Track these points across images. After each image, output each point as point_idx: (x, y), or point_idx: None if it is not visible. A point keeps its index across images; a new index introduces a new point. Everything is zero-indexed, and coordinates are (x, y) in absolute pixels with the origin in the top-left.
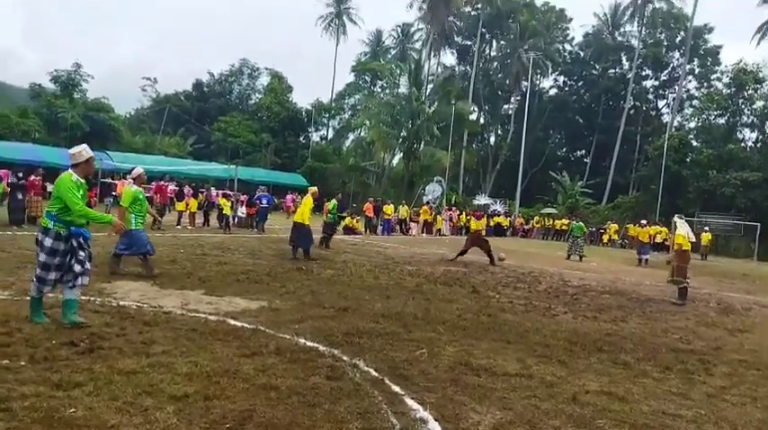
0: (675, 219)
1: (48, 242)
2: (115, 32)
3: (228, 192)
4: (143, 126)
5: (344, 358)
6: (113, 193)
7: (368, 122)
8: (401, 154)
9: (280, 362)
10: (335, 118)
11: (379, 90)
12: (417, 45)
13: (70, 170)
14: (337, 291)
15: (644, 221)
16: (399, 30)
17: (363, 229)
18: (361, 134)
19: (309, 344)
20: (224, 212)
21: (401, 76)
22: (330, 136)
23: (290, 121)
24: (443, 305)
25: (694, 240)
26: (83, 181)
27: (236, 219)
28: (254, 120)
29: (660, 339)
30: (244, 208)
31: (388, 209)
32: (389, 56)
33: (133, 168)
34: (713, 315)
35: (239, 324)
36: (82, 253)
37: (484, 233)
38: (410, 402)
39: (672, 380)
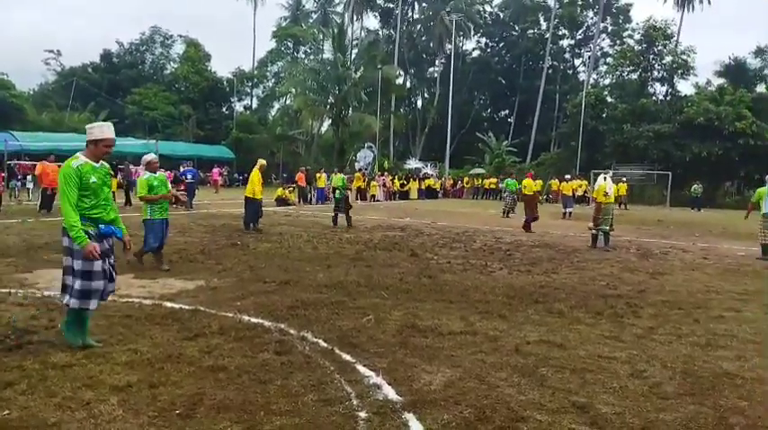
0: (600, 176)
1: (70, 244)
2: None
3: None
4: (49, 102)
5: (291, 331)
6: (19, 177)
7: (293, 90)
8: (329, 121)
9: (225, 341)
10: (259, 86)
11: (303, 56)
12: (339, 9)
13: (78, 153)
14: (277, 265)
15: (568, 176)
16: None
17: (297, 200)
18: (287, 102)
19: (254, 320)
20: None
21: (324, 42)
22: (255, 105)
23: (211, 92)
24: (385, 270)
25: (610, 194)
26: (96, 165)
27: None
28: (172, 92)
29: (589, 287)
30: (169, 185)
31: (321, 177)
32: (311, 20)
33: (144, 154)
34: (635, 260)
35: (177, 306)
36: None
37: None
38: (362, 369)
39: (603, 324)
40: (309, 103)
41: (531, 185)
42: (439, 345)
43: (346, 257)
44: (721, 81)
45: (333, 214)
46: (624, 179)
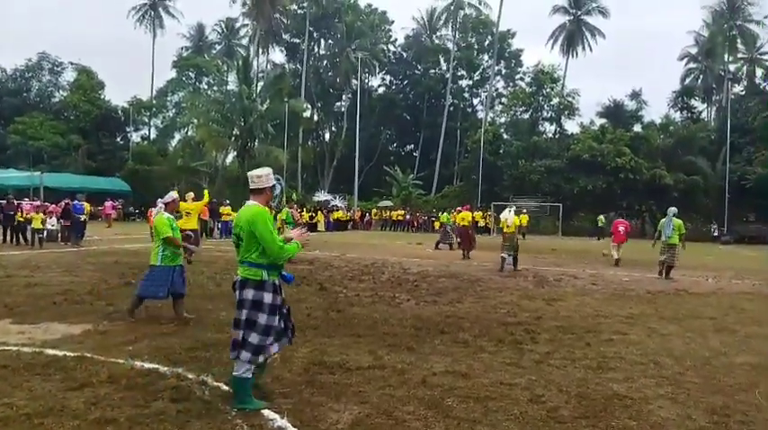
0: (506, 209)
1: (268, 298)
2: None
3: (44, 203)
4: None
5: (190, 376)
6: None
7: (195, 121)
8: (234, 153)
9: (114, 391)
10: (158, 116)
11: (206, 87)
12: (244, 41)
13: (252, 201)
14: None
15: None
16: (223, 25)
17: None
18: (189, 133)
19: (148, 366)
20: (33, 226)
21: (229, 73)
22: (153, 136)
23: (104, 121)
24: (292, 306)
25: (510, 224)
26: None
27: (44, 233)
28: (60, 121)
29: (491, 315)
30: (54, 219)
31: (226, 210)
32: (214, 51)
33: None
34: (532, 288)
35: (60, 353)
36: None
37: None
38: (266, 412)
39: (505, 351)
40: (213, 135)
41: (467, 217)
42: (347, 382)
43: None
44: (603, 121)
45: None
46: (524, 211)
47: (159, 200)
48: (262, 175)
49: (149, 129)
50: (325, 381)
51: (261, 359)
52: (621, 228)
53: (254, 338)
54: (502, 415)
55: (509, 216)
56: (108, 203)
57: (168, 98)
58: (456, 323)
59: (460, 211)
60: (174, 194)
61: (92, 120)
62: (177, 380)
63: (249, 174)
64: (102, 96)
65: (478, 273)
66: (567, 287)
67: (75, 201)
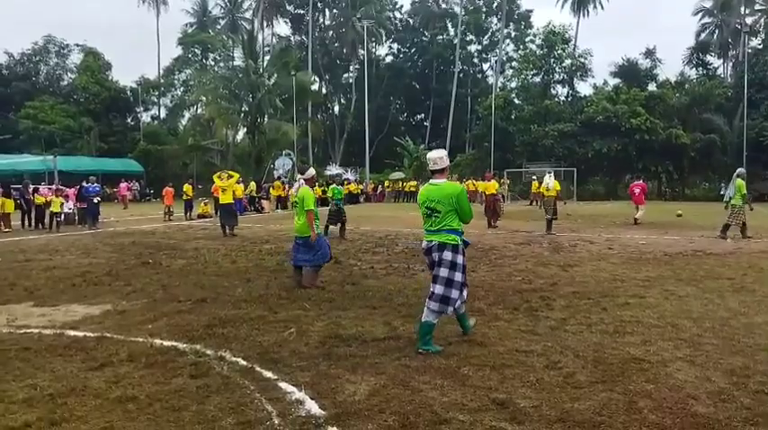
0: (545, 174)
1: (461, 260)
2: None
3: (60, 187)
4: None
5: (208, 352)
6: None
7: (204, 98)
8: (245, 129)
9: (135, 369)
10: (166, 95)
11: (212, 63)
12: (248, 15)
13: (439, 179)
14: (192, 282)
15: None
16: None
17: (213, 212)
18: (199, 111)
19: (167, 343)
20: (52, 209)
21: (234, 48)
22: (163, 115)
23: (114, 102)
24: None
25: (550, 189)
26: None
27: (62, 216)
28: (71, 104)
29: (506, 283)
30: (70, 203)
31: (238, 188)
32: (218, 26)
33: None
34: (547, 254)
35: (81, 334)
36: None
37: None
38: (284, 385)
39: (520, 319)
40: (222, 112)
41: (491, 187)
42: (363, 353)
43: (267, 269)
44: (616, 81)
45: (324, 225)
46: (534, 177)
47: (300, 175)
48: (442, 157)
49: (159, 109)
50: (341, 354)
51: (449, 311)
52: (637, 191)
53: (454, 294)
54: (518, 382)
55: (549, 181)
56: (123, 185)
57: (175, 76)
58: (471, 292)
59: (487, 180)
60: (312, 171)
61: (101, 101)
62: (196, 357)
63: (429, 156)
64: (110, 77)
65: (493, 241)
66: (583, 252)
67: (87, 183)
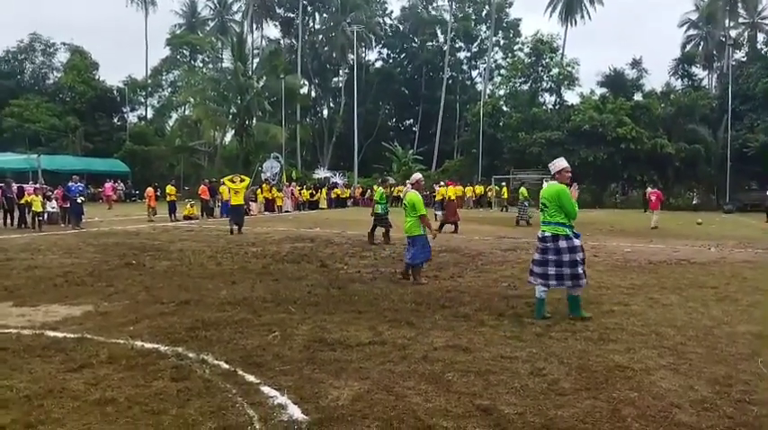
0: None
1: (578, 242)
2: None
3: (45, 186)
4: None
5: (190, 355)
6: None
7: (192, 99)
8: (233, 131)
9: (114, 371)
10: (154, 96)
11: (201, 65)
12: (237, 17)
13: (554, 181)
14: (176, 284)
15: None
16: (216, 0)
17: (200, 214)
18: (186, 112)
19: (148, 346)
20: (34, 209)
21: (223, 50)
22: (150, 116)
23: (100, 101)
24: (293, 283)
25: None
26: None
27: (45, 216)
28: (56, 103)
29: (492, 289)
30: (54, 202)
31: (224, 189)
32: (207, 28)
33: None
34: None
35: (61, 335)
36: None
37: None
38: (266, 390)
39: (506, 325)
40: (210, 113)
41: (457, 192)
42: (347, 358)
43: (252, 272)
44: (603, 91)
45: (370, 230)
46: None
47: (407, 181)
48: (557, 164)
49: (146, 109)
50: (325, 358)
51: (584, 283)
52: (653, 198)
53: (580, 269)
54: (502, 388)
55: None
56: (108, 185)
57: (163, 77)
58: (457, 297)
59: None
60: (418, 175)
61: (87, 101)
62: (177, 360)
63: (550, 164)
64: (97, 77)
65: (480, 247)
66: None
67: (70, 183)
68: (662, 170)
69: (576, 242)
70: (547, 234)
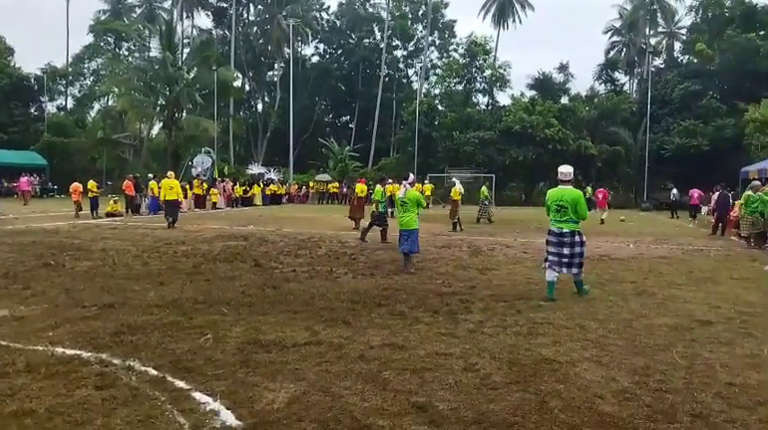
0: (453, 179)
1: (584, 238)
2: None
3: None
4: None
5: (115, 361)
6: None
7: (116, 89)
8: (161, 124)
9: (33, 380)
10: (75, 85)
11: (127, 53)
12: (166, 5)
13: (566, 185)
14: (99, 286)
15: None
16: None
17: (124, 210)
18: (110, 103)
19: (69, 352)
20: None
21: (151, 39)
22: (71, 106)
23: (15, 90)
24: (225, 283)
25: (464, 193)
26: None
27: None
28: None
29: (427, 286)
30: None
31: (153, 184)
32: (134, 15)
33: (407, 175)
34: (466, 258)
35: None
36: None
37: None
38: (198, 396)
39: (440, 322)
40: (136, 105)
41: (365, 190)
42: (282, 360)
43: (182, 272)
44: (533, 93)
45: (365, 227)
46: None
47: (405, 181)
48: (570, 172)
49: (66, 99)
50: (260, 360)
51: (583, 268)
52: (600, 196)
53: (583, 258)
54: (437, 385)
55: (459, 186)
56: (23, 179)
57: (85, 65)
58: (393, 295)
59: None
60: (413, 176)
61: (1, 89)
62: (101, 367)
63: (561, 170)
64: (12, 63)
65: None
66: (500, 256)
67: None
68: (585, 170)
69: (584, 238)
70: (566, 230)
